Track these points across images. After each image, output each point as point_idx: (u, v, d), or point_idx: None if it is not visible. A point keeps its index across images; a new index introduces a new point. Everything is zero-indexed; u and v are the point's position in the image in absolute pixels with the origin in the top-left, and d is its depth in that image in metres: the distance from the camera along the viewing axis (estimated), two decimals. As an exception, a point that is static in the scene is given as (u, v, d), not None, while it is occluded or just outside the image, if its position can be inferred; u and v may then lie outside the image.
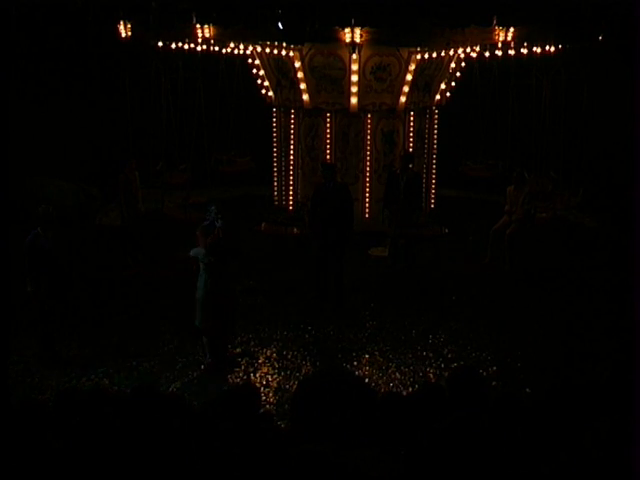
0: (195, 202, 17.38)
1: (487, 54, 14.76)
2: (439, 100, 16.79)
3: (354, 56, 14.87)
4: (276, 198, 17.42)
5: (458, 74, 16.69)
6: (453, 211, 17.20)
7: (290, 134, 16.50)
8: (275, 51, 15.22)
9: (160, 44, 15.22)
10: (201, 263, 9.97)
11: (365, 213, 16.15)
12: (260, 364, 10.41)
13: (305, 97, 15.83)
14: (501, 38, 14.10)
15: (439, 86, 16.53)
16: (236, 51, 16.16)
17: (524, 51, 14.62)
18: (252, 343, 10.95)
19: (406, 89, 15.71)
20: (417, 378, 9.92)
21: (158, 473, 5.03)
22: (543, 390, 5.74)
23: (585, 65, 16.54)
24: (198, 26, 14.30)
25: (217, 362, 10.15)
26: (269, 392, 9.58)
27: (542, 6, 14.17)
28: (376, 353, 10.74)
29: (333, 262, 12.45)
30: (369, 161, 16.10)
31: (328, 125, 15.92)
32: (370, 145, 16.02)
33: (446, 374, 9.75)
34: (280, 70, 16.13)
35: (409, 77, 15.52)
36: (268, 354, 10.70)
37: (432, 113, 16.93)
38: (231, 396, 5.93)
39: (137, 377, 9.81)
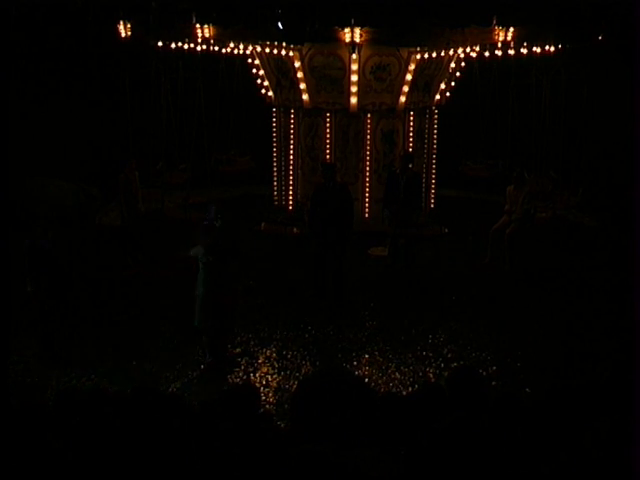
0: (195, 202, 17.40)
1: (487, 54, 14.76)
2: (439, 100, 16.79)
3: (354, 56, 14.88)
4: (276, 198, 17.42)
5: (458, 74, 16.70)
6: (453, 211, 17.20)
7: (290, 134, 16.50)
8: (275, 51, 15.22)
9: (160, 44, 15.22)
10: (200, 263, 9.97)
11: (365, 213, 16.15)
12: (260, 364, 10.41)
13: (305, 97, 15.83)
14: (501, 38, 14.11)
15: (439, 86, 16.53)
16: (236, 51, 16.16)
17: (524, 51, 14.63)
18: (252, 343, 10.95)
19: (406, 89, 15.71)
20: (417, 378, 9.92)
21: (158, 473, 5.03)
22: (543, 390, 5.73)
23: (585, 65, 16.56)
24: (198, 26, 14.31)
25: (217, 362, 10.16)
26: (269, 392, 9.58)
27: (542, 6, 14.18)
28: (376, 353, 10.74)
29: (333, 262, 12.46)
30: (369, 161, 16.11)
31: (328, 125, 15.92)
32: (370, 145, 16.02)
33: (446, 374, 9.75)
34: (280, 70, 16.14)
35: (409, 77, 15.52)
36: (268, 354, 10.70)
37: (432, 113, 16.93)
38: (231, 396, 5.93)
39: (137, 377, 9.81)
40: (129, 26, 15.33)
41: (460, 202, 18.35)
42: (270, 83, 16.59)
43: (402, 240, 14.17)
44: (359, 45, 14.19)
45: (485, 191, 18.54)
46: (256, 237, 15.60)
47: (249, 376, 10.01)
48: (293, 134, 16.45)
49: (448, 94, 16.79)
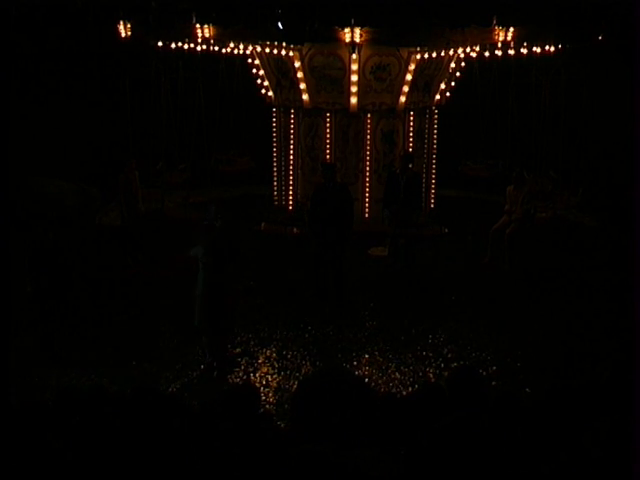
0: (195, 202, 17.39)
1: (487, 54, 14.76)
2: (439, 100, 16.78)
3: (354, 56, 14.87)
4: (276, 198, 17.42)
5: (458, 74, 16.69)
6: (453, 211, 17.19)
7: (290, 134, 16.50)
8: (275, 51, 15.22)
9: (160, 44, 15.22)
10: (200, 263, 9.97)
11: (365, 213, 16.15)
12: (260, 364, 10.41)
13: (305, 97, 15.83)
14: (501, 38, 14.10)
15: (439, 86, 16.53)
16: (236, 51, 16.15)
17: (524, 51, 14.62)
18: (252, 343, 10.95)
19: (406, 89, 15.71)
20: (417, 378, 9.92)
21: (158, 473, 5.02)
22: (543, 390, 5.73)
23: (585, 65, 16.55)
24: (198, 26, 14.30)
25: (217, 362, 10.15)
26: (269, 392, 9.59)
27: (542, 6, 14.17)
28: (376, 353, 10.74)
29: (333, 262, 12.46)
30: (369, 161, 16.11)
31: (328, 125, 15.92)
32: (370, 145, 16.02)
33: (446, 374, 9.75)
34: (280, 70, 16.13)
35: (409, 77, 15.51)
36: (268, 354, 10.70)
37: (432, 113, 16.92)
38: (231, 396, 5.93)
39: (137, 377, 9.81)
40: (129, 26, 15.32)
41: (460, 202, 18.34)
42: (270, 83, 16.59)
43: (402, 240, 14.17)
44: (359, 45, 14.19)
45: (485, 191, 18.53)
46: (256, 237, 15.59)
47: (249, 376, 10.01)
48: (293, 134, 16.45)
49: (448, 94, 16.79)
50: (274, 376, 10.05)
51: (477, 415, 4.99)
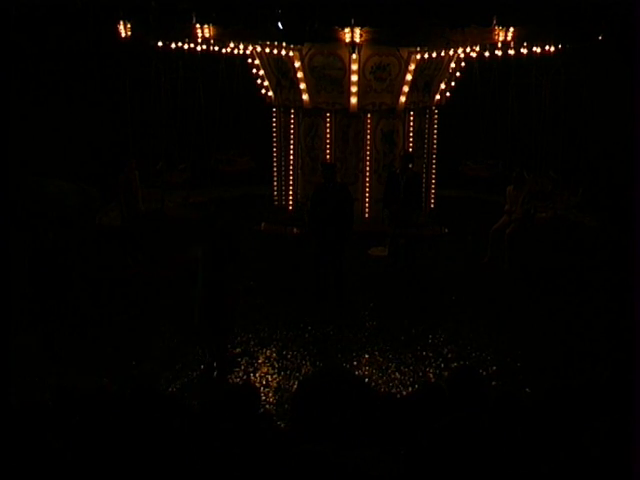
0: (195, 202, 17.39)
1: (487, 54, 14.75)
2: (439, 100, 16.79)
3: (354, 56, 14.88)
4: (276, 198, 17.42)
5: (458, 74, 16.70)
6: (453, 211, 17.20)
7: (290, 134, 16.50)
8: (275, 51, 15.22)
9: (160, 44, 15.22)
10: (200, 263, 9.97)
11: (365, 213, 16.15)
12: (260, 364, 10.41)
13: (305, 97, 15.83)
14: (501, 38, 14.10)
15: (439, 86, 16.53)
16: (236, 51, 16.16)
17: (524, 51, 14.62)
18: (252, 343, 10.95)
19: (406, 89, 15.71)
20: (417, 378, 9.91)
21: (158, 473, 5.03)
22: (543, 390, 5.73)
23: (585, 65, 16.56)
24: (198, 26, 14.30)
25: (217, 362, 10.15)
26: (269, 392, 9.58)
27: (542, 6, 14.17)
28: (376, 353, 10.74)
29: (333, 262, 12.46)
30: (369, 161, 16.11)
31: (328, 125, 15.92)
32: (370, 145, 16.03)
33: (446, 374, 9.75)
34: (280, 70, 16.14)
35: (409, 77, 15.52)
36: (268, 354, 10.70)
37: (432, 113, 16.93)
38: (231, 396, 5.93)
39: (137, 377, 9.81)
40: (129, 26, 15.32)
41: (460, 202, 18.35)
42: (270, 83, 16.59)
43: (402, 240, 14.18)
44: (359, 45, 14.19)
45: (485, 191, 18.54)
46: (256, 237, 15.59)
47: (249, 376, 10.01)
48: (293, 134, 16.45)
49: (448, 94, 16.79)
50: (274, 376, 10.04)
51: (477, 415, 4.99)
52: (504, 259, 14.09)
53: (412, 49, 15.10)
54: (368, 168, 16.10)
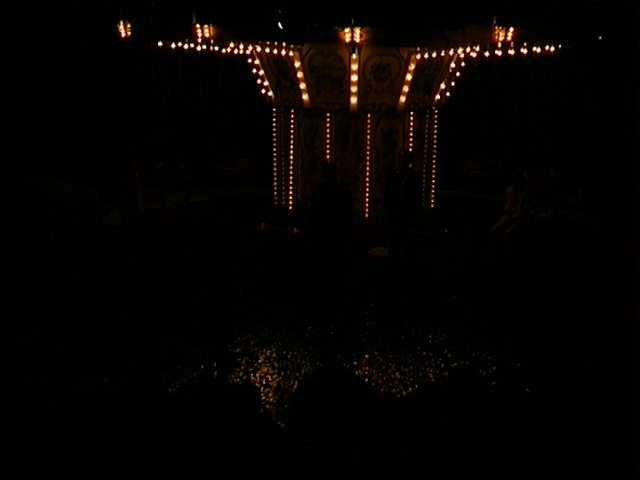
0: (195, 202, 17.39)
1: (487, 54, 14.76)
2: (439, 100, 16.79)
3: (354, 56, 14.88)
4: (276, 198, 17.42)
5: (458, 74, 16.70)
6: (453, 211, 17.20)
7: (290, 134, 16.50)
8: (275, 51, 15.22)
9: (160, 44, 15.23)
10: (200, 263, 9.97)
11: (365, 213, 16.15)
12: (260, 364, 10.41)
13: (305, 97, 15.83)
14: (501, 38, 14.11)
15: (439, 86, 16.53)
16: (236, 51, 16.16)
17: (524, 51, 14.63)
18: (252, 343, 10.95)
19: (406, 89, 15.71)
20: (417, 378, 9.91)
21: (158, 473, 5.03)
22: (543, 390, 5.73)
23: (585, 65, 16.56)
24: (198, 26, 14.31)
25: (217, 362, 10.15)
26: (269, 392, 9.58)
27: (542, 6, 14.17)
28: (376, 353, 10.73)
29: (333, 262, 12.46)
30: (369, 161, 16.11)
31: (328, 125, 15.93)
32: (370, 145, 16.03)
33: (446, 374, 9.75)
34: (280, 70, 16.14)
35: (409, 77, 15.52)
36: (268, 354, 10.69)
37: (432, 113, 16.93)
38: (231, 396, 5.93)
39: (137, 377, 9.80)
40: (129, 26, 15.33)
41: (460, 202, 18.35)
42: (270, 83, 16.59)
43: (402, 240, 14.18)
44: (359, 45, 14.19)
45: (485, 191, 18.54)
46: (256, 237, 15.59)
47: (249, 376, 10.01)
48: (293, 134, 16.45)
49: (448, 94, 16.79)
50: (274, 376, 10.04)
51: (477, 415, 4.99)
52: (504, 259, 14.09)
53: (412, 49, 15.10)
54: (368, 168, 16.10)
